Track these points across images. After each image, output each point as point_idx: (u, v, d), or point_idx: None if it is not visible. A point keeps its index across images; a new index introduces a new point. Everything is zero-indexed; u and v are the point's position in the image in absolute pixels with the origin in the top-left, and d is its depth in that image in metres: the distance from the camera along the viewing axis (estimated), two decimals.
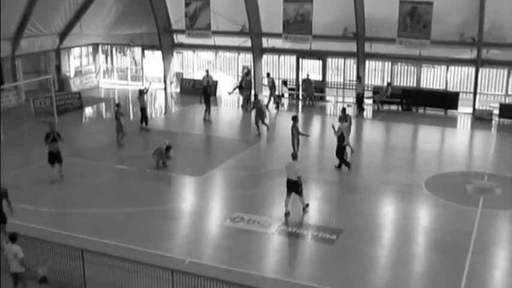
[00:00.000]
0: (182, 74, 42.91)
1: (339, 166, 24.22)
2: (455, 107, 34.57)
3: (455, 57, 34.96)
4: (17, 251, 13.94)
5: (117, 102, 30.77)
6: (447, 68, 35.62)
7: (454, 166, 24.99)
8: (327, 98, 38.43)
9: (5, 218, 16.91)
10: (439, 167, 25.25)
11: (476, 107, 34.23)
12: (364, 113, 34.80)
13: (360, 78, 35.90)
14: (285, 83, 39.14)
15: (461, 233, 18.18)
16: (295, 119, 25.03)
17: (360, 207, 20.35)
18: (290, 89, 39.08)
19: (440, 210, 20.22)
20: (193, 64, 43.04)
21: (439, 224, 19.20)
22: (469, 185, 22.50)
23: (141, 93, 30.53)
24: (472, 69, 34.49)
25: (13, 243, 14.04)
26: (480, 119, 33.20)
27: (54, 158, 22.72)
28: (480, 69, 34.03)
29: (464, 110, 34.50)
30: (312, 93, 37.06)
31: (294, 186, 19.54)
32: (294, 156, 20.20)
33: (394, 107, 35.95)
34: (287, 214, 19.49)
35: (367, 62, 37.35)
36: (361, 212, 19.89)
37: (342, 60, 38.36)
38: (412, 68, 36.78)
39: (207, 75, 36.58)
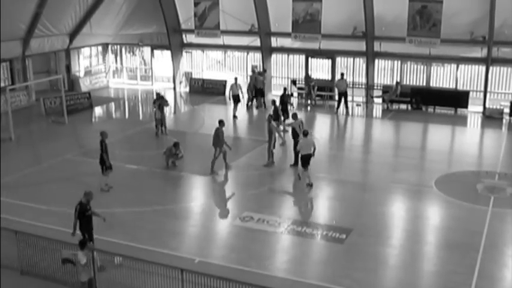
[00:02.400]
0: (191, 73, 42.92)
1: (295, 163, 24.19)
2: (466, 106, 34.42)
3: (466, 55, 34.81)
4: (80, 258, 13.64)
5: (158, 92, 30.93)
6: (457, 67, 35.46)
7: (464, 165, 24.87)
8: (336, 97, 38.35)
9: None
10: (449, 166, 25.15)
11: (487, 105, 34.05)
12: (350, 111, 34.85)
13: (342, 75, 36.00)
14: (294, 82, 39.08)
15: (471, 232, 18.10)
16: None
17: (370, 207, 20.29)
18: (299, 88, 38.98)
19: (450, 210, 20.13)
20: (203, 64, 43.05)
21: (449, 223, 19.12)
22: (480, 184, 22.39)
23: (161, 98, 30.50)
24: (483, 68, 34.32)
25: (80, 250, 13.71)
26: (490, 117, 33.04)
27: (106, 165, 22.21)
28: (490, 68, 33.85)
29: (474, 109, 34.34)
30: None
31: (308, 160, 22.02)
32: (306, 134, 22.46)
33: (403, 106, 35.81)
34: (311, 185, 21.96)
35: (376, 61, 37.22)
36: (370, 211, 19.83)
37: (351, 59, 38.27)
38: (422, 66, 36.64)
39: (236, 83, 35.10)
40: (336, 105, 35.08)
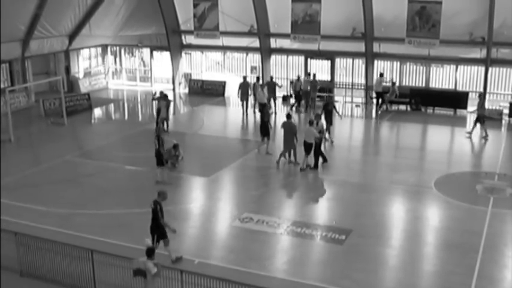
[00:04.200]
0: (191, 74, 42.94)
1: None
2: (465, 107, 34.42)
3: (465, 56, 34.83)
4: (150, 268, 13.29)
5: (162, 91, 31.04)
6: (456, 68, 35.48)
7: (464, 166, 24.91)
8: (336, 98, 38.34)
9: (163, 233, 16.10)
10: (449, 167, 25.16)
11: (486, 106, 34.03)
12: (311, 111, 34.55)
13: (309, 75, 36.19)
14: (292, 83, 39.07)
15: (471, 232, 18.10)
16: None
17: (369, 207, 20.29)
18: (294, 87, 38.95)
19: (450, 210, 20.14)
20: (202, 65, 43.06)
21: (448, 224, 19.12)
22: (479, 184, 22.40)
23: (166, 97, 30.70)
24: (482, 69, 34.33)
25: (148, 259, 13.44)
26: (490, 118, 33.02)
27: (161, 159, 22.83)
28: (490, 69, 33.87)
29: (473, 110, 34.35)
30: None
31: (310, 148, 23.67)
32: (311, 123, 23.93)
33: (403, 107, 35.83)
34: (302, 169, 23.83)
35: (375, 61, 37.25)
36: (370, 212, 19.83)
37: (351, 60, 38.30)
38: (421, 67, 36.66)
39: (262, 89, 33.81)
40: (296, 104, 35.46)
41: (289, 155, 25.13)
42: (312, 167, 24.32)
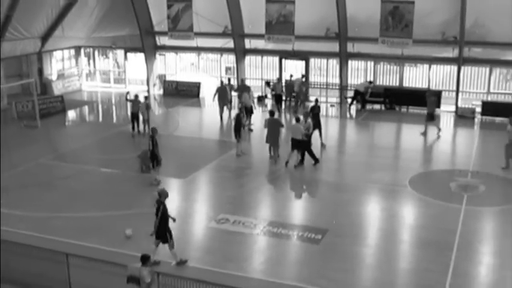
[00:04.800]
0: (165, 76, 42.81)
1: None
2: (438, 106, 34.67)
3: (438, 55, 35.17)
4: (145, 276, 13.24)
5: (136, 95, 30.82)
6: (429, 67, 35.81)
7: (438, 164, 25.15)
8: (310, 98, 38.46)
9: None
10: (423, 165, 25.37)
11: (459, 105, 34.42)
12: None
13: (279, 79, 36.59)
14: (267, 83, 39.16)
15: (446, 230, 18.28)
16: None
17: (345, 206, 20.40)
18: (272, 89, 39.04)
19: (424, 208, 20.31)
20: (176, 66, 42.96)
21: (423, 221, 19.28)
22: (453, 182, 22.62)
23: (136, 97, 30.43)
24: (454, 68, 34.67)
25: (143, 266, 13.37)
26: (463, 117, 33.40)
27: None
28: (462, 68, 34.21)
29: (447, 108, 34.68)
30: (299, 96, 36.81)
31: (297, 145, 24.20)
32: (298, 120, 24.47)
33: (377, 106, 36.08)
34: (286, 162, 24.47)
35: (349, 61, 37.46)
36: (346, 211, 19.93)
37: (325, 60, 38.46)
38: (395, 67, 36.95)
39: (249, 93, 32.53)
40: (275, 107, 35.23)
41: (273, 152, 25.53)
42: (298, 163, 24.62)
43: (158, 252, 16.13)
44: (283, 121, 30.18)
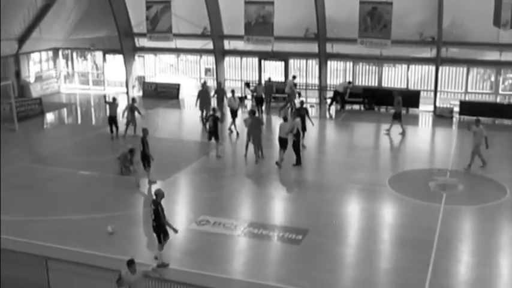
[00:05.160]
0: (144, 77, 42.67)
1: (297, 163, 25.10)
2: (417, 105, 34.94)
3: (416, 56, 35.42)
4: (130, 280, 13.07)
5: (114, 97, 30.60)
6: (408, 67, 36.03)
7: (417, 163, 25.30)
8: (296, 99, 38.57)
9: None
10: (402, 164, 25.54)
11: (437, 104, 34.68)
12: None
13: (259, 82, 36.52)
14: (247, 84, 39.18)
15: (425, 229, 18.41)
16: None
17: (325, 207, 20.47)
18: (252, 91, 39.05)
19: (404, 208, 20.44)
20: (155, 67, 42.85)
21: (403, 221, 19.41)
22: (432, 181, 22.80)
23: (114, 100, 30.27)
24: (432, 68, 34.93)
25: (129, 270, 13.15)
26: (441, 116, 33.65)
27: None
28: (440, 68, 34.49)
29: (425, 108, 34.93)
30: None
31: (284, 143, 24.64)
32: (285, 119, 25.12)
33: (356, 107, 36.24)
34: (278, 162, 24.70)
35: (329, 62, 37.59)
36: (326, 211, 20.00)
37: (304, 61, 38.57)
38: (374, 67, 37.13)
39: (233, 96, 31.68)
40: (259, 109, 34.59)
41: (255, 151, 25.69)
42: (295, 163, 24.94)
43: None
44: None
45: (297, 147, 25.09)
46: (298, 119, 25.46)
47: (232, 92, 31.89)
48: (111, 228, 18.22)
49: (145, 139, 22.61)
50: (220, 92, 33.78)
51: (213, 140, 26.40)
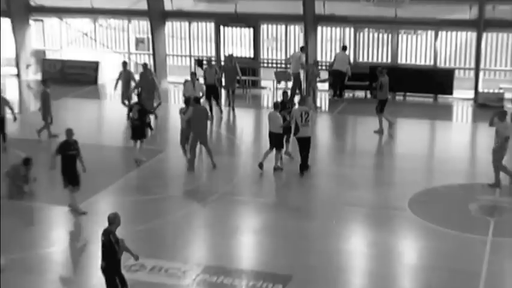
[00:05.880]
0: (44, 52, 42.47)
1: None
2: (450, 91, 35.18)
3: (448, 18, 35.62)
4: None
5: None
6: (436, 35, 36.26)
7: (450, 176, 25.40)
8: (262, 83, 38.63)
9: None
10: (429, 178, 25.68)
11: (480, 89, 34.91)
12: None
13: (209, 62, 37.39)
14: (199, 63, 39.13)
15: (464, 273, 18.45)
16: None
17: (316, 242, 20.52)
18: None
19: (432, 242, 20.49)
20: (61, 37, 42.67)
21: (432, 261, 19.45)
22: (473, 203, 22.93)
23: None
24: (473, 35, 35.17)
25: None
26: (486, 106, 33.86)
27: None
28: (484, 35, 34.70)
29: (462, 95, 35.22)
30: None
31: (277, 140, 25.77)
32: (276, 106, 26.24)
33: (360, 93, 36.40)
34: (260, 165, 25.76)
35: (319, 28, 37.73)
36: (317, 249, 20.03)
37: (283, 26, 38.67)
38: (385, 35, 37.33)
39: (192, 81, 32.10)
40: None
41: (190, 152, 26.32)
42: (303, 169, 25.73)
43: None
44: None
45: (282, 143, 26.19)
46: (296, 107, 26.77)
47: (193, 75, 32.36)
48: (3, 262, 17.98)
49: (77, 146, 22.67)
50: (144, 76, 33.18)
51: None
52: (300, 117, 25.48)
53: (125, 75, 33.70)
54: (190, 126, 26.31)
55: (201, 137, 26.13)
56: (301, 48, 36.69)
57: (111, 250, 15.72)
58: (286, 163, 26.34)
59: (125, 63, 34.46)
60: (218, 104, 34.39)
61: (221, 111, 34.26)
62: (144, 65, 34.23)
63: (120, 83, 33.81)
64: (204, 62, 38.58)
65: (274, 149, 25.99)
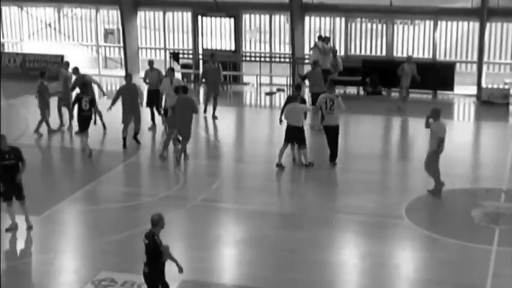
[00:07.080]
0: (2, 45, 42.35)
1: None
2: (450, 87, 35.26)
3: (448, 6, 35.68)
4: None
5: None
6: (435, 24, 36.33)
7: (451, 181, 25.45)
8: (245, 78, 38.62)
9: None
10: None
11: (483, 84, 34.99)
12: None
13: (321, 38, 36.51)
14: (175, 56, 39.07)
15: (467, 287, 18.51)
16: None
17: (305, 254, 20.47)
18: (183, 66, 38.97)
19: (431, 253, 20.50)
20: (22, 29, 42.56)
21: (431, 275, 19.45)
22: (477, 209, 22.97)
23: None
24: (475, 25, 35.26)
25: None
26: (489, 103, 33.95)
27: None
28: (488, 25, 34.78)
29: (464, 91, 35.29)
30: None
31: (297, 135, 26.55)
32: (294, 98, 27.28)
33: (352, 90, 36.42)
34: (280, 166, 26.57)
35: (307, 18, 37.75)
36: (305, 261, 19.99)
37: (267, 16, 38.69)
38: (379, 26, 37.39)
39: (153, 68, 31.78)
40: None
41: (175, 147, 27.04)
42: (309, 162, 26.90)
43: None
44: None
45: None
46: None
47: (150, 63, 32.12)
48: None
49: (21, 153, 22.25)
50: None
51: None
52: (324, 104, 26.59)
53: (152, 76, 31.83)
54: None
55: (182, 131, 26.54)
56: (319, 38, 36.59)
57: (156, 253, 15.89)
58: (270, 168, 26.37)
59: (151, 62, 32.55)
60: (159, 111, 31.98)
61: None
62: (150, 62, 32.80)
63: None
64: (183, 55, 38.55)
65: (289, 144, 26.89)
